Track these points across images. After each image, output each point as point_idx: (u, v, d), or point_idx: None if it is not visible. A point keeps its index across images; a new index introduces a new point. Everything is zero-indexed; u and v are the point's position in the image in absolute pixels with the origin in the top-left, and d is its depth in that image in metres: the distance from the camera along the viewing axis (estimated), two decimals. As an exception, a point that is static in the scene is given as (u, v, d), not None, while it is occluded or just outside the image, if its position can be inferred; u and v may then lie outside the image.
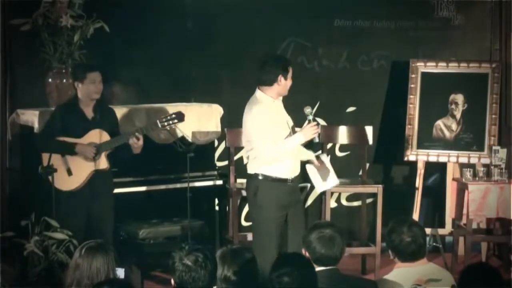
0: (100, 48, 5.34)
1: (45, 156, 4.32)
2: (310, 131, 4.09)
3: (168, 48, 5.74)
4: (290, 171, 4.17)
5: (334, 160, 5.77)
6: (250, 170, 4.20)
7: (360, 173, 5.65)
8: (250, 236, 5.55)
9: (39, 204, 4.39)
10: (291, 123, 4.31)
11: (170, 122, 4.49)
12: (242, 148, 5.65)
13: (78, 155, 4.27)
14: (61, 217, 4.21)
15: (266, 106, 4.17)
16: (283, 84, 4.15)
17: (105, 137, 4.41)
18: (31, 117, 4.93)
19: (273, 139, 4.10)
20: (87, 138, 4.33)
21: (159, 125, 4.47)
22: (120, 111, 5.05)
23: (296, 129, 4.34)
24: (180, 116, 4.51)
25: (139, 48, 5.64)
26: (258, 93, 4.22)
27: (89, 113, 4.39)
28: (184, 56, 5.74)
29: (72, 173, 4.26)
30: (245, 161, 4.55)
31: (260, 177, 4.12)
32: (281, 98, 4.29)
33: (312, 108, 4.34)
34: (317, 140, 4.17)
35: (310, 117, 4.19)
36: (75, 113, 4.37)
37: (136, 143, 4.33)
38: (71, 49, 5.22)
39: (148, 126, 4.50)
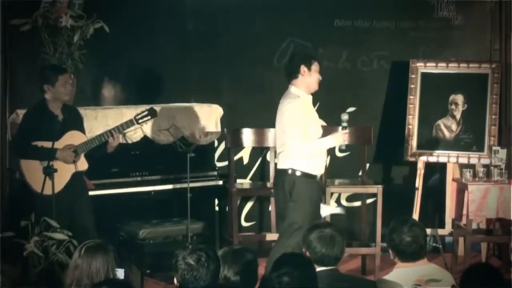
0: (100, 48, 5.35)
1: (23, 162, 4.32)
2: (341, 137, 4.24)
3: (168, 48, 5.74)
4: (320, 168, 4.32)
5: (334, 160, 5.79)
6: (284, 165, 4.25)
7: (360, 173, 5.66)
8: (250, 237, 5.60)
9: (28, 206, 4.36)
10: (323, 123, 4.51)
11: (144, 118, 4.52)
12: (242, 148, 5.68)
13: (59, 160, 4.26)
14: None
15: (301, 101, 4.29)
16: (308, 75, 4.27)
17: (81, 137, 4.43)
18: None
19: (305, 136, 4.21)
20: (64, 140, 4.33)
21: (135, 122, 4.49)
22: (120, 111, 5.08)
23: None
24: (152, 112, 4.54)
25: (139, 48, 5.65)
26: (292, 88, 4.32)
27: (59, 114, 4.39)
28: (184, 56, 5.75)
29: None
30: (275, 155, 4.61)
31: (298, 173, 4.20)
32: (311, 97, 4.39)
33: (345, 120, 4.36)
34: (343, 147, 4.44)
35: (345, 124, 4.30)
36: (47, 116, 4.35)
37: (113, 142, 4.37)
38: (71, 49, 5.22)
39: (123, 125, 4.49)
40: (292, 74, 4.29)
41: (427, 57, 5.82)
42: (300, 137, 4.20)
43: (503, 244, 5.47)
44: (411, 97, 5.64)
